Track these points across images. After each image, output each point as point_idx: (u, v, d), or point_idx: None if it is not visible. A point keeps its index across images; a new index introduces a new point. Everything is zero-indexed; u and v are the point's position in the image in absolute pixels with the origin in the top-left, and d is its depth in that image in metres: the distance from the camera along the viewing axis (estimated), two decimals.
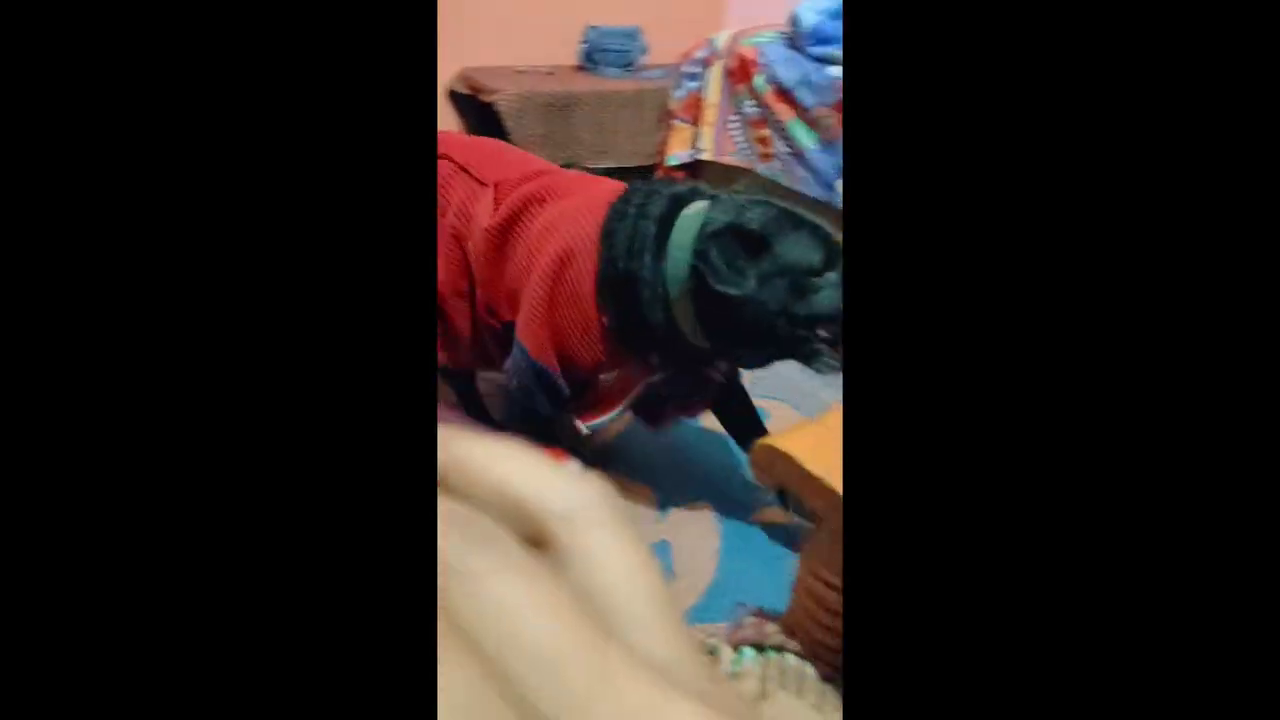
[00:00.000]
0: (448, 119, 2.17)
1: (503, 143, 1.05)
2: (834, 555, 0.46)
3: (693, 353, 0.80)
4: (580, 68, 2.15)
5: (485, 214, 0.83)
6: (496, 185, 0.85)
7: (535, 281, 0.78)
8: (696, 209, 0.77)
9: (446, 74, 2.11)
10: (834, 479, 0.45)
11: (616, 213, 0.78)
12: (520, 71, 2.06)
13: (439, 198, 0.85)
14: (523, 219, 0.82)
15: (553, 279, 0.78)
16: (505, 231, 0.82)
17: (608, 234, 0.77)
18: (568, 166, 0.99)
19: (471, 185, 0.86)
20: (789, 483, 0.49)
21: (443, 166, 0.87)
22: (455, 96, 2.14)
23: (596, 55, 2.09)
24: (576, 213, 0.80)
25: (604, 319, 0.78)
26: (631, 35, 2.11)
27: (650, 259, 0.75)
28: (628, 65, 2.10)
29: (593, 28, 2.10)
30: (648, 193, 0.79)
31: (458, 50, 2.08)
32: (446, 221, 0.86)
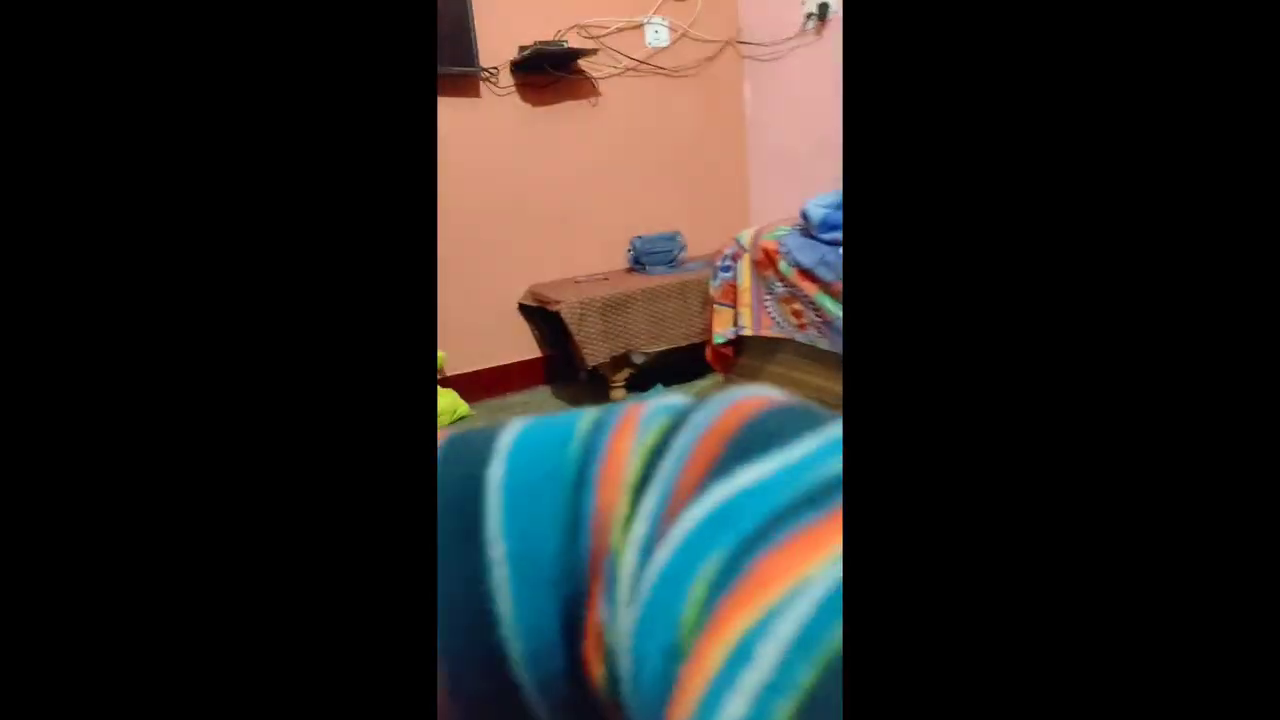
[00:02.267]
0: (520, 330, 2.51)
1: None
2: None
3: None
4: (630, 270, 2.52)
5: None
6: None
7: None
8: None
9: (516, 292, 2.47)
10: None
11: None
12: (579, 281, 2.41)
13: None
14: None
15: None
16: None
17: None
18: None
19: None
20: None
21: None
22: (524, 309, 2.48)
23: (644, 258, 2.45)
24: None
25: None
26: (672, 238, 2.50)
27: None
28: (671, 263, 2.45)
29: (638, 237, 2.49)
30: None
31: (524, 269, 2.47)
32: None
